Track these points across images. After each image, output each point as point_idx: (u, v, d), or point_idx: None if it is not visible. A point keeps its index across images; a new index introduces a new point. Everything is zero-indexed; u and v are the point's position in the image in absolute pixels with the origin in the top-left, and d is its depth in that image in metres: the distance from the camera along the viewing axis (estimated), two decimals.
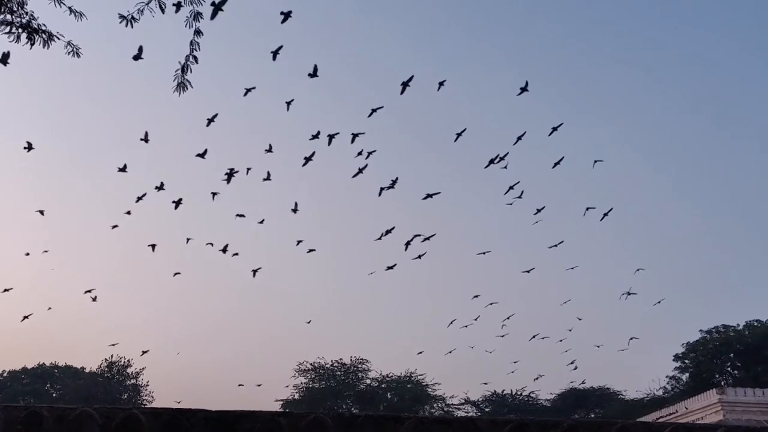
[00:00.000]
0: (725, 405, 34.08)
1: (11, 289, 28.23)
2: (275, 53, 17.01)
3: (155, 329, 74.75)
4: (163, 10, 6.94)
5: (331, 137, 21.25)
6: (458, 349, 40.43)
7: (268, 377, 70.66)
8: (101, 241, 78.99)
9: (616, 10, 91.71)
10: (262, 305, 77.66)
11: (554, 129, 21.98)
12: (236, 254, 27.11)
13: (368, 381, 56.35)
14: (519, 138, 22.76)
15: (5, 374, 55.99)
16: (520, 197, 25.40)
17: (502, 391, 55.75)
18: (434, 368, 73.70)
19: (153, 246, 26.58)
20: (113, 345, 50.95)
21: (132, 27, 7.02)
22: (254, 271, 28.06)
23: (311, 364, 55.23)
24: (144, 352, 37.91)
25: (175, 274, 31.36)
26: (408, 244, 25.20)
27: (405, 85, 19.61)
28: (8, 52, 11.51)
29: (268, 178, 23.84)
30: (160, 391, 57.69)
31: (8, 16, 6.95)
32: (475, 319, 35.00)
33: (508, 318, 34.85)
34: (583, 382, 48.63)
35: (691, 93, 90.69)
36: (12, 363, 59.09)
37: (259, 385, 38.20)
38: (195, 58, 7.32)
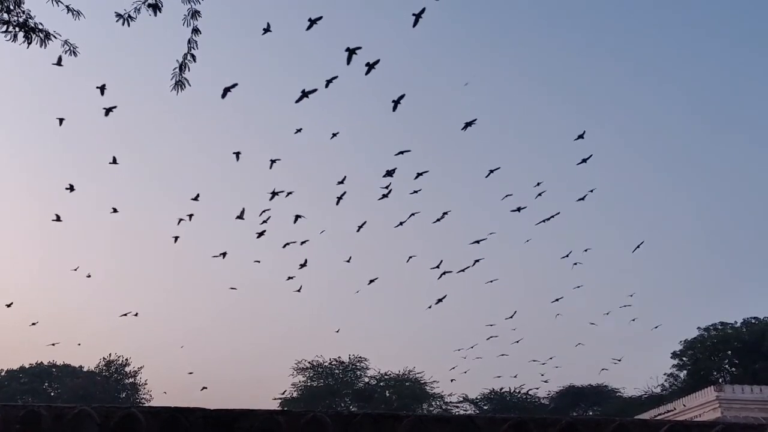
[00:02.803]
0: (723, 402, 34.14)
1: (11, 304, 28.90)
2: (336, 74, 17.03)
3: (154, 328, 74.83)
4: (159, 9, 6.93)
5: (390, 173, 22.03)
6: (459, 352, 41.06)
7: (266, 376, 70.71)
8: (99, 240, 78.89)
9: (615, 9, 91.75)
10: (262, 304, 77.72)
11: (584, 160, 23.09)
12: (291, 277, 27.43)
13: (367, 379, 56.36)
14: (540, 190, 24.55)
15: (3, 373, 55.93)
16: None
17: (501, 389, 55.79)
18: (433, 367, 73.85)
19: (224, 254, 26.33)
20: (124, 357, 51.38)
21: (128, 26, 7.01)
22: (298, 290, 28.79)
23: (310, 362, 55.26)
24: (190, 373, 38.43)
25: (232, 288, 31.95)
26: (442, 275, 26.31)
27: (468, 125, 20.14)
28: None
29: (342, 198, 24.44)
30: (158, 389, 57.74)
31: (5, 15, 6.94)
32: (490, 337, 36.49)
33: (517, 341, 36.55)
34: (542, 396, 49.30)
35: (689, 92, 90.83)
36: (10, 362, 59.10)
37: (204, 388, 38.38)
38: (193, 56, 7.32)
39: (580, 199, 25.51)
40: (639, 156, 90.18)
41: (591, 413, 53.96)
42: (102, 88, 17.94)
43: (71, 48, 7.47)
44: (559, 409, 52.54)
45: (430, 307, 29.80)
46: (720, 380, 44.95)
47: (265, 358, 74.16)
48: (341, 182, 23.47)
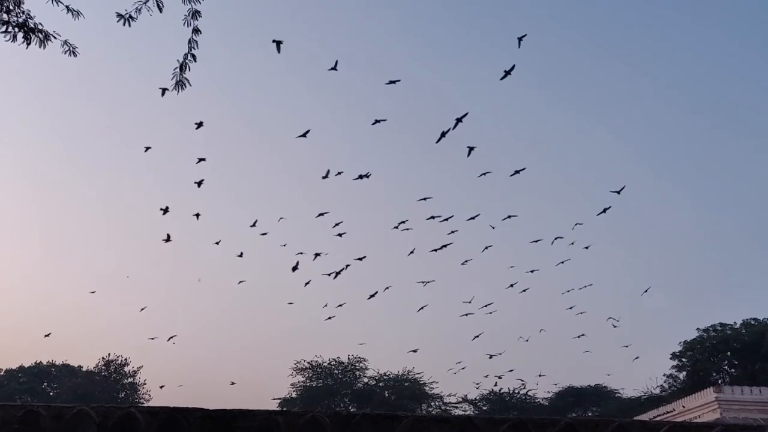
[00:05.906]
0: (722, 403, 34.12)
1: (49, 334, 29.51)
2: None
3: (152, 327, 74.66)
4: (160, 9, 6.94)
5: (441, 220, 22.60)
6: (459, 352, 41.63)
7: (266, 376, 70.67)
8: (97, 239, 78.90)
9: (614, 6, 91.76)
10: (261, 303, 77.65)
11: (604, 210, 23.94)
12: (341, 304, 27.79)
13: (365, 379, 56.35)
14: (556, 238, 25.53)
15: (2, 373, 55.91)
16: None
17: (500, 390, 55.76)
18: (432, 367, 73.72)
19: (295, 268, 25.99)
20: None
21: (129, 26, 7.02)
22: (328, 318, 29.07)
23: (309, 362, 55.26)
24: (232, 383, 38.72)
25: (289, 303, 32.32)
26: (466, 315, 27.16)
27: (516, 172, 20.54)
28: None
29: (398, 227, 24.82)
30: (157, 389, 57.69)
31: (4, 16, 6.94)
32: (500, 353, 37.39)
33: (510, 370, 37.61)
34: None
35: (689, 92, 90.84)
36: (9, 362, 59.06)
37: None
38: (193, 56, 7.33)
39: (585, 248, 26.33)
40: (637, 156, 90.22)
41: (590, 414, 53.97)
42: (199, 125, 18.55)
43: (71, 48, 7.47)
44: (558, 410, 52.52)
45: (472, 339, 30.67)
46: (719, 381, 44.93)
47: (265, 358, 74.15)
48: (403, 222, 23.77)
